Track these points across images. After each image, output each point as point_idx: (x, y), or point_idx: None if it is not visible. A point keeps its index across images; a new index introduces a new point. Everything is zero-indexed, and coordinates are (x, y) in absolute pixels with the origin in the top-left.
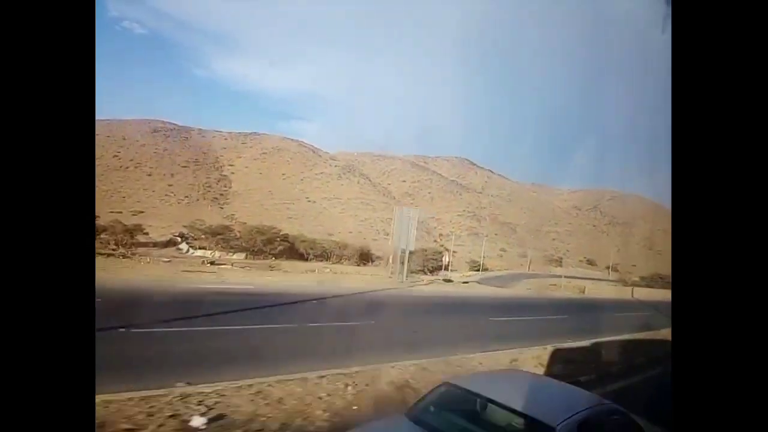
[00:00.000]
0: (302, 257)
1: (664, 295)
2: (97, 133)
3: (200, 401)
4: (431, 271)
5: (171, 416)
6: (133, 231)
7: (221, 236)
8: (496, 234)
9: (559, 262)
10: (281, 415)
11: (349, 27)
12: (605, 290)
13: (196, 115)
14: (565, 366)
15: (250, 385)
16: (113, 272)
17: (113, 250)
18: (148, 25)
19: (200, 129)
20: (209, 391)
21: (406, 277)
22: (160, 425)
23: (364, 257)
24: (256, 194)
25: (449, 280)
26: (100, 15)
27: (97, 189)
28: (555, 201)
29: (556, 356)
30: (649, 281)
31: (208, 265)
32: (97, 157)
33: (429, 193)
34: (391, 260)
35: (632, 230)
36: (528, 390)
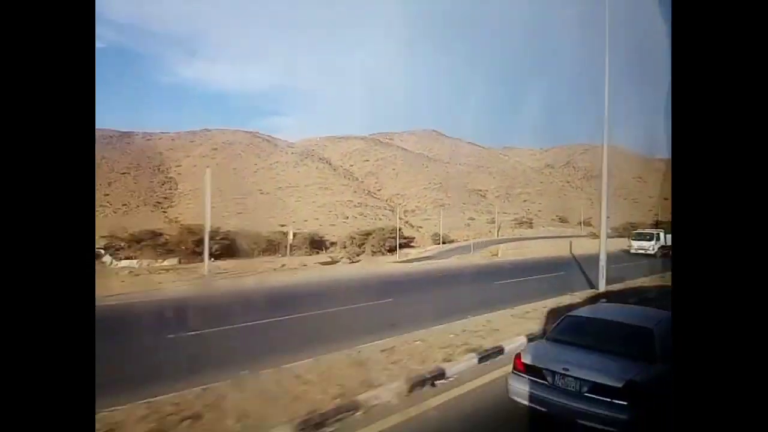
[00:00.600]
0: (246, 254)
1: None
2: None
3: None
4: (389, 251)
5: None
6: None
7: (147, 242)
8: (464, 203)
9: (529, 224)
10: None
11: (312, 11)
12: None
13: (164, 123)
14: None
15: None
16: None
17: None
18: (106, 38)
19: (145, 132)
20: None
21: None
22: None
23: (316, 245)
24: None
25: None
26: None
27: None
28: (527, 162)
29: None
30: (621, 231)
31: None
32: None
33: (393, 169)
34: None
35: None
36: (623, 311)
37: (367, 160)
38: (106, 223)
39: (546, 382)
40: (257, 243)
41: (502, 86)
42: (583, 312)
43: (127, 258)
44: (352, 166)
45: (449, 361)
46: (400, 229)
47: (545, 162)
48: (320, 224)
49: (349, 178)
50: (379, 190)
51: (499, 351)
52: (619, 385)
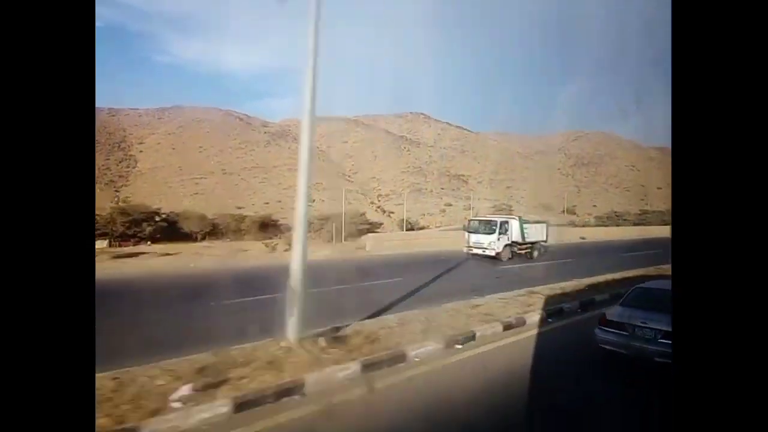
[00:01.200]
0: (188, 237)
1: (607, 232)
2: None
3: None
4: (350, 237)
5: None
6: None
7: None
8: (442, 188)
9: (508, 211)
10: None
11: None
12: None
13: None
14: None
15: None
16: None
17: None
18: (104, 17)
19: (110, 108)
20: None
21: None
22: None
23: (268, 229)
24: (163, 172)
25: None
26: None
27: None
28: (517, 148)
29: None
30: (604, 220)
31: None
32: None
33: (372, 152)
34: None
35: (598, 169)
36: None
37: (346, 142)
38: None
39: (627, 333)
40: (201, 226)
41: (498, 72)
42: (646, 285)
43: None
44: (329, 147)
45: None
46: (363, 214)
47: (537, 148)
48: (281, 207)
49: (323, 160)
50: (355, 173)
51: None
52: None
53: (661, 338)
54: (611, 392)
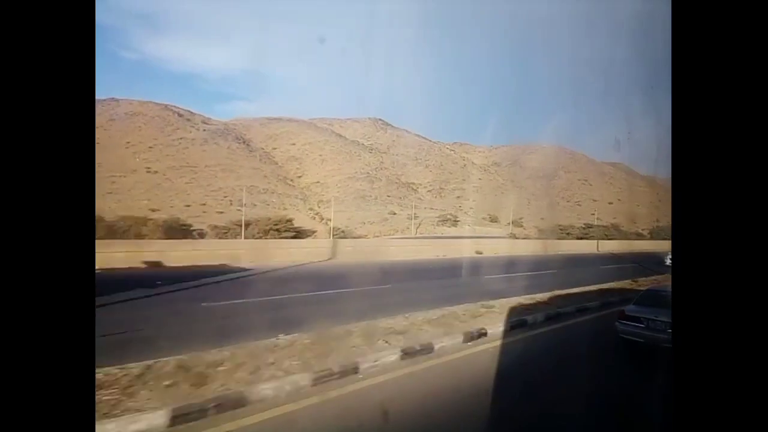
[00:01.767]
0: None
1: (533, 245)
2: None
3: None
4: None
5: None
6: None
7: None
8: (388, 196)
9: (454, 222)
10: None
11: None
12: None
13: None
14: None
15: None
16: None
17: None
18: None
19: None
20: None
21: None
22: None
23: (173, 233)
24: None
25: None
26: None
27: None
28: (474, 158)
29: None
30: (548, 233)
31: None
32: None
33: (320, 155)
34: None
35: (552, 182)
36: None
37: (294, 144)
38: None
39: (643, 325)
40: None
41: (465, 83)
42: (655, 287)
43: None
44: (275, 149)
45: None
46: (289, 220)
47: (493, 160)
48: (204, 211)
49: (265, 162)
50: (299, 176)
51: None
52: None
53: (668, 330)
54: None
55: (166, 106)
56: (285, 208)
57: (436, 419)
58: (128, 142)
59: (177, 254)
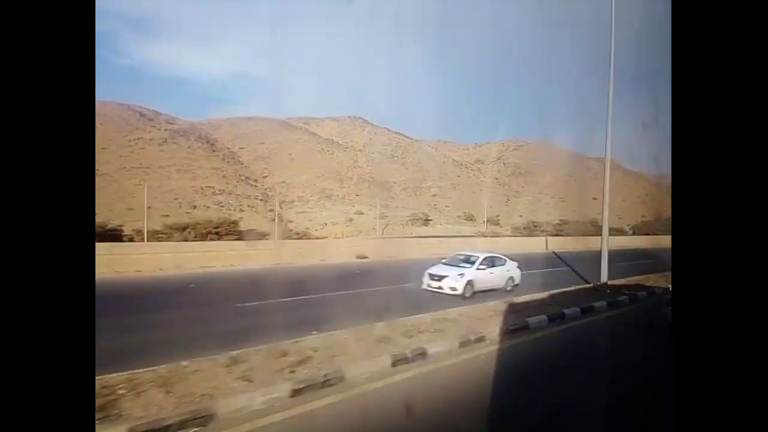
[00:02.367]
0: None
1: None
2: None
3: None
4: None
5: None
6: None
7: None
8: (357, 195)
9: (425, 221)
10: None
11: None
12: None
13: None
14: None
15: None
16: None
17: None
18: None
19: None
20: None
21: None
22: None
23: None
24: None
25: None
26: None
27: None
28: (455, 156)
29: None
30: (522, 231)
31: None
32: None
33: (290, 154)
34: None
35: (536, 179)
36: None
37: (262, 143)
38: None
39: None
40: None
41: (447, 80)
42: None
43: None
44: (242, 148)
45: None
46: (233, 222)
47: (476, 157)
48: (149, 214)
49: (228, 162)
50: (264, 177)
51: None
52: None
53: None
54: None
55: (129, 106)
56: (241, 210)
57: None
58: None
59: None
